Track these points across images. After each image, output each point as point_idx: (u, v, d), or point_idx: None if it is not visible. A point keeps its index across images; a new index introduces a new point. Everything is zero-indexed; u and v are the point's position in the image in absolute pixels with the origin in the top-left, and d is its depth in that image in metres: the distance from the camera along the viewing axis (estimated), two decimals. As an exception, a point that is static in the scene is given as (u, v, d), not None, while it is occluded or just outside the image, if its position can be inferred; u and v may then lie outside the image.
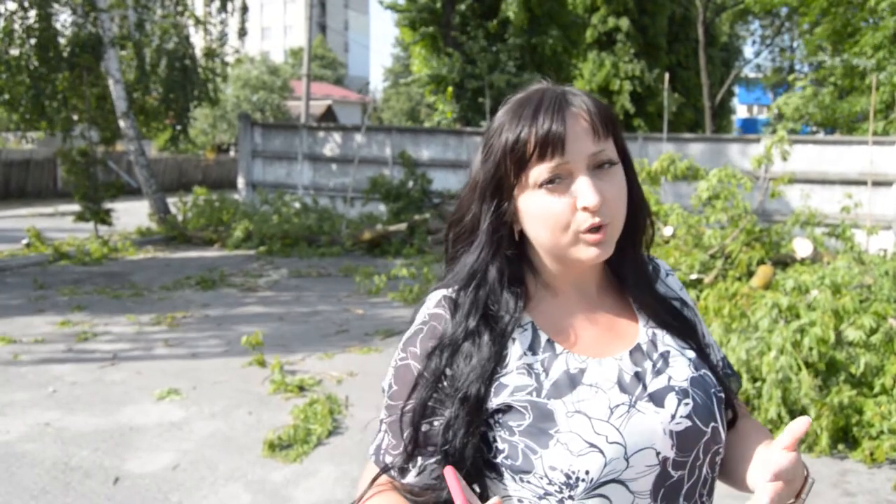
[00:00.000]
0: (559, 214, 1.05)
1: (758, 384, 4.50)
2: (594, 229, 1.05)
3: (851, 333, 4.59)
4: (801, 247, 6.82)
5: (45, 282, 9.62)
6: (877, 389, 4.51)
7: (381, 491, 1.11)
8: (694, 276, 6.30)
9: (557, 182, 1.05)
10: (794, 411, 4.47)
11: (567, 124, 1.05)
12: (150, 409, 5.16)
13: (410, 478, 1.08)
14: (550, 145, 1.04)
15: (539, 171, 1.06)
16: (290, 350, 6.60)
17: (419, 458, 1.07)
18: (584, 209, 1.04)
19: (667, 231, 7.23)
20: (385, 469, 1.10)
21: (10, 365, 6.08)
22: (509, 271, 1.12)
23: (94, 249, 11.89)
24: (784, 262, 6.79)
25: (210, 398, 5.38)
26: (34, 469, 4.16)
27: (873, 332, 4.72)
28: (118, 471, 4.16)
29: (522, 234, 1.13)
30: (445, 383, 1.06)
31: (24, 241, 12.55)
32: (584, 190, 1.04)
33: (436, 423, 1.06)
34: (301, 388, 5.54)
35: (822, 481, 4.07)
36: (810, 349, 4.43)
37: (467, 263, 1.13)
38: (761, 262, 6.54)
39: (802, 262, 6.74)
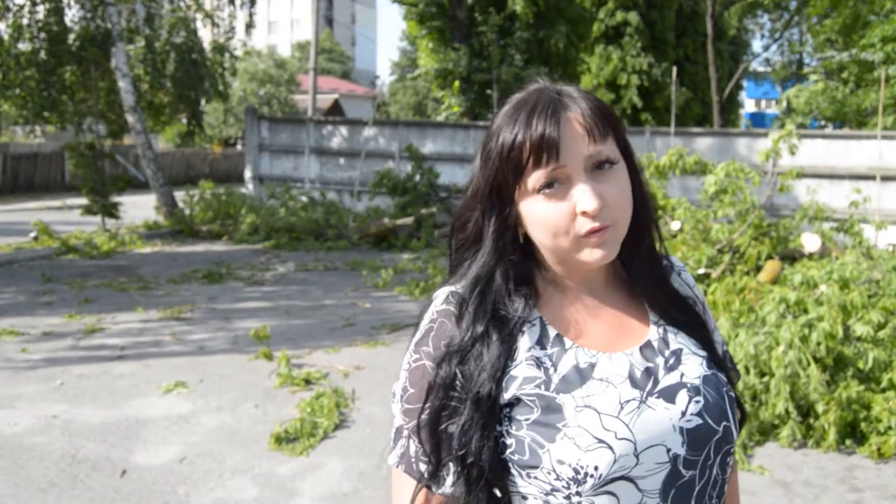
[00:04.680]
0: (558, 220, 1.04)
1: (766, 379, 4.48)
2: (595, 232, 1.03)
3: (859, 328, 4.58)
4: (810, 241, 6.80)
5: (53, 275, 9.66)
6: (884, 385, 4.49)
7: None
8: (702, 271, 6.28)
9: (556, 187, 1.04)
10: (802, 406, 4.46)
11: (561, 128, 1.03)
12: (157, 402, 5.18)
13: (447, 487, 1.06)
14: (545, 151, 1.03)
15: (536, 177, 1.04)
16: (297, 344, 6.61)
17: (450, 464, 1.05)
18: (584, 214, 1.03)
19: (674, 226, 7.20)
20: (421, 478, 1.07)
21: (18, 358, 6.10)
22: (515, 274, 1.11)
23: (101, 243, 11.93)
24: (792, 257, 6.77)
25: (217, 391, 5.40)
26: (42, 462, 4.18)
27: (881, 327, 4.71)
28: (125, 463, 4.18)
29: (528, 235, 1.11)
30: (458, 388, 1.05)
31: (32, 235, 12.61)
32: (583, 195, 1.02)
33: (455, 427, 1.04)
34: (307, 382, 5.55)
35: (830, 477, 4.06)
36: (818, 344, 4.42)
37: (472, 270, 1.11)
38: (769, 256, 6.53)
39: (811, 256, 6.72)
